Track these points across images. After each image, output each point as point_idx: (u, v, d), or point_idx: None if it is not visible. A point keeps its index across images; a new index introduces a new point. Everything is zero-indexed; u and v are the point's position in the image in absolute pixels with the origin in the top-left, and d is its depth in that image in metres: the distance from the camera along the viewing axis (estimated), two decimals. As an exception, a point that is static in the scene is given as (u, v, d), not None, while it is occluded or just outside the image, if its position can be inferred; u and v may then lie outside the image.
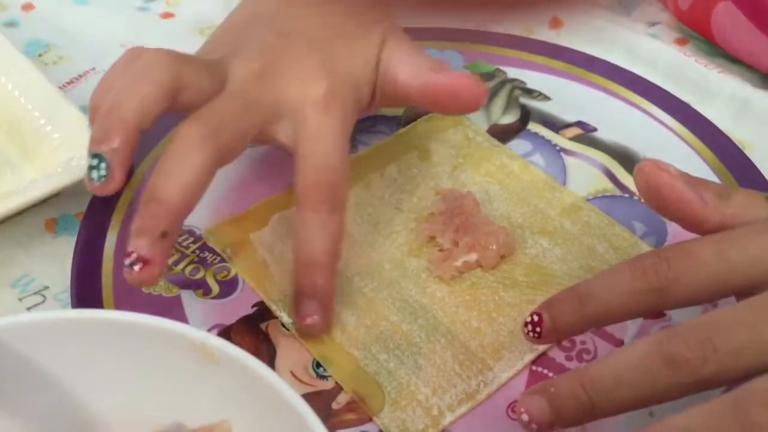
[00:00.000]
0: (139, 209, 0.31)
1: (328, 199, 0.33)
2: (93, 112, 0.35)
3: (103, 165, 0.32)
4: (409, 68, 0.37)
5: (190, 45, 0.49)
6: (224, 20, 0.40)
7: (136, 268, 0.30)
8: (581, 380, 0.27)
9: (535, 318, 0.30)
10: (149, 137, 0.42)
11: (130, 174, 0.40)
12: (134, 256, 0.30)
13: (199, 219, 0.38)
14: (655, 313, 0.34)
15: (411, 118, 0.44)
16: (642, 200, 0.31)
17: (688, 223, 0.30)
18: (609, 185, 0.40)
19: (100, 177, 0.32)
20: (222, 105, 0.34)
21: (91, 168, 0.32)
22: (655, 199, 0.31)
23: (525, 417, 0.28)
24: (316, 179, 0.33)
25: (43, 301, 0.36)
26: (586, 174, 0.41)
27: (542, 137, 0.43)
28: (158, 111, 0.33)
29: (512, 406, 0.32)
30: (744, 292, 0.28)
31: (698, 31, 0.49)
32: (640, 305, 0.29)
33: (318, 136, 0.34)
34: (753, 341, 0.26)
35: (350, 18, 0.39)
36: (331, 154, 0.34)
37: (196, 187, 0.32)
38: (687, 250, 0.29)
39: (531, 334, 0.30)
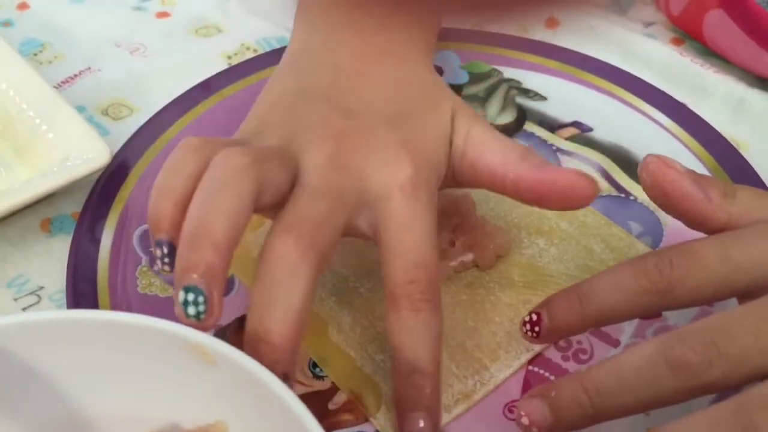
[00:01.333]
0: (246, 349, 0.27)
1: (428, 296, 0.30)
2: (155, 224, 0.29)
3: (201, 299, 0.26)
4: (495, 156, 0.33)
5: (186, 44, 0.49)
6: (263, 92, 0.35)
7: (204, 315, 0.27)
8: (583, 384, 0.27)
9: (534, 317, 0.30)
10: (145, 135, 0.42)
11: (125, 173, 0.40)
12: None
13: (194, 219, 0.38)
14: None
15: (407, 117, 0.44)
16: (647, 196, 0.31)
17: (693, 221, 0.30)
18: (605, 185, 0.40)
19: (198, 314, 0.27)
20: (310, 207, 0.29)
21: (186, 303, 0.26)
22: (659, 196, 0.30)
23: (525, 420, 0.27)
24: (414, 276, 0.30)
25: (38, 302, 0.36)
26: (582, 174, 0.41)
27: (538, 137, 0.43)
28: (246, 224, 0.28)
29: (509, 406, 0.32)
30: (747, 293, 0.28)
31: (691, 35, 0.49)
32: (642, 306, 0.28)
33: (409, 225, 0.30)
34: (757, 347, 0.26)
35: (414, 87, 0.35)
36: (425, 245, 0.30)
37: (305, 314, 0.28)
38: (691, 251, 0.28)
39: (529, 333, 0.30)
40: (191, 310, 0.27)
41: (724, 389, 0.26)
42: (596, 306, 0.29)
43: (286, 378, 0.27)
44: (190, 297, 0.26)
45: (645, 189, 0.30)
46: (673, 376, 0.26)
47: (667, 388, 0.26)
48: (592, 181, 0.32)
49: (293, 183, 0.30)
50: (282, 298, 0.27)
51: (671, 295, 0.28)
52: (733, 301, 0.29)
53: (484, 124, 0.35)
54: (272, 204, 0.29)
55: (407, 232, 0.30)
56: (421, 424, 0.29)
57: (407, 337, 0.30)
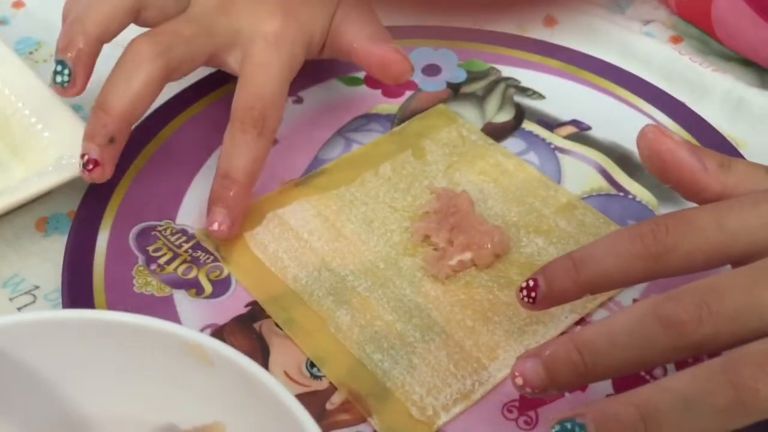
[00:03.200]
0: (90, 116, 0.36)
1: (258, 123, 0.36)
2: (63, 21, 0.38)
3: (66, 71, 0.35)
4: (354, 30, 0.40)
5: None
6: None
7: (88, 168, 0.35)
8: (576, 343, 0.27)
9: (530, 283, 0.30)
10: (140, 134, 0.42)
11: (122, 171, 0.40)
12: (86, 158, 0.35)
13: (192, 218, 0.38)
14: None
15: (405, 116, 0.44)
16: (644, 165, 0.31)
17: (689, 190, 0.30)
18: (604, 184, 0.40)
19: (63, 81, 0.35)
20: (177, 26, 0.37)
21: (55, 73, 0.35)
22: (656, 165, 0.31)
23: (519, 381, 0.28)
24: (251, 104, 0.36)
25: (34, 301, 0.36)
26: (580, 172, 0.41)
27: (537, 136, 0.43)
28: (118, 27, 0.36)
29: (507, 406, 0.32)
30: (741, 260, 0.28)
31: (698, 24, 0.49)
32: (637, 271, 0.28)
33: (261, 67, 0.37)
34: (748, 305, 0.26)
35: None
36: (270, 85, 0.37)
37: (141, 98, 0.35)
38: (686, 218, 0.29)
39: (526, 299, 0.30)
40: (58, 78, 0.35)
41: (715, 349, 0.26)
42: (591, 270, 0.29)
43: (111, 141, 0.35)
44: (58, 68, 0.35)
45: (642, 158, 0.31)
46: (663, 334, 0.26)
47: (658, 346, 0.26)
48: (405, 58, 0.40)
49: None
50: (123, 80, 0.35)
51: (665, 261, 0.28)
52: (727, 268, 0.29)
53: (365, 10, 0.42)
54: (156, 22, 0.37)
55: (258, 71, 0.37)
56: (220, 216, 0.36)
57: (230, 148, 0.36)
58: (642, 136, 0.31)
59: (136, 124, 0.42)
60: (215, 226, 0.36)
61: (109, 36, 0.36)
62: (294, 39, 0.38)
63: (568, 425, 0.26)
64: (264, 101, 0.36)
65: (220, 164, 0.36)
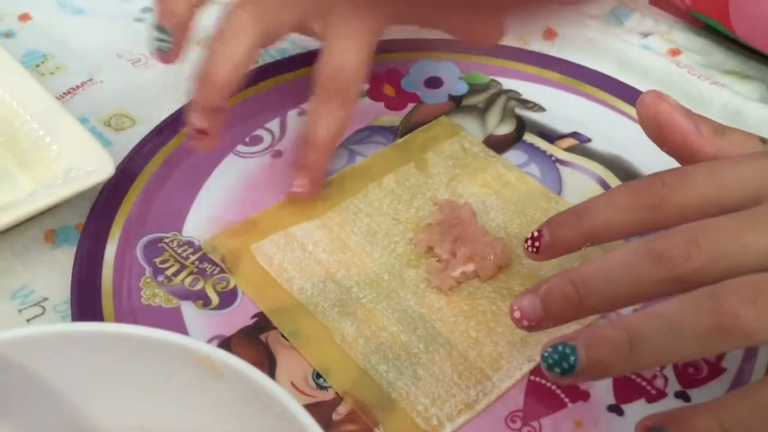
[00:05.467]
0: (194, 87, 0.37)
1: (340, 94, 0.38)
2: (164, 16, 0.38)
3: (165, 36, 0.37)
4: None
5: (189, 56, 0.49)
6: None
7: (196, 138, 0.37)
8: (571, 278, 0.29)
9: (536, 234, 0.32)
10: (147, 146, 0.42)
11: (129, 184, 0.40)
12: (193, 128, 0.37)
13: (198, 230, 0.39)
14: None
15: (408, 128, 0.44)
16: (642, 128, 0.33)
17: (683, 153, 0.32)
18: (604, 195, 0.41)
19: (166, 47, 0.37)
20: None
21: (157, 40, 0.37)
22: (653, 127, 0.32)
23: (517, 314, 0.29)
24: (332, 74, 0.38)
25: (43, 313, 0.36)
26: (581, 184, 0.41)
27: (537, 148, 0.43)
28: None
29: (511, 416, 0.32)
30: (734, 210, 0.29)
31: (713, 16, 0.48)
32: (634, 221, 0.30)
33: (343, 36, 0.38)
34: (735, 243, 0.27)
35: None
36: (351, 55, 0.38)
37: (244, 65, 0.37)
38: (681, 171, 0.30)
39: (530, 249, 0.32)
40: (162, 45, 0.37)
41: (702, 284, 0.27)
42: (592, 220, 0.31)
43: (215, 110, 0.37)
44: (161, 35, 0.37)
45: (640, 121, 0.32)
46: (653, 267, 0.27)
47: (648, 279, 0.27)
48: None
49: None
50: (227, 52, 0.37)
51: (660, 212, 0.29)
52: None
53: None
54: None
55: (340, 41, 0.38)
56: (303, 179, 0.39)
57: (314, 116, 0.38)
58: (641, 101, 0.32)
59: (141, 136, 0.43)
60: (299, 189, 0.38)
61: (202, 3, 0.38)
62: (374, 8, 0.39)
63: (560, 348, 0.27)
64: (346, 72, 0.38)
65: (306, 132, 0.38)
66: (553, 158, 0.43)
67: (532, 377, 0.33)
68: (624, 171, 0.42)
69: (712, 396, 0.32)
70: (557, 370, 0.27)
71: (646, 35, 0.51)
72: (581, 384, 0.33)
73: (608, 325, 0.27)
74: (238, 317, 0.35)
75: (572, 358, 0.27)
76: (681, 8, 0.51)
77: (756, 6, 0.46)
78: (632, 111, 0.45)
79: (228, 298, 0.36)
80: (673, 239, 0.27)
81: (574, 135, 0.44)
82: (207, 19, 0.52)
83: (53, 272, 0.37)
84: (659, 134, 0.32)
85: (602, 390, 0.33)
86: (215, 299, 0.36)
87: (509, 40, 0.50)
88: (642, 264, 0.27)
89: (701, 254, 0.27)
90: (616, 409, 0.32)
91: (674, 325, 0.26)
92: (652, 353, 0.27)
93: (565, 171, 0.42)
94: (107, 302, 0.35)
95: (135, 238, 0.38)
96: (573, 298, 0.28)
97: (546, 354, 0.28)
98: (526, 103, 0.46)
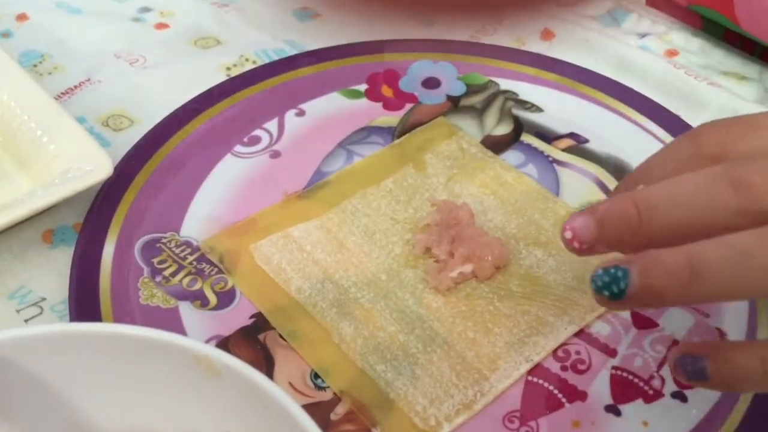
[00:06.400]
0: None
1: None
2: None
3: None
4: None
5: (185, 56, 0.50)
6: None
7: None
8: (634, 198, 0.26)
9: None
10: (145, 147, 0.42)
11: (127, 184, 0.40)
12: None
13: (196, 230, 0.39)
14: (648, 323, 0.35)
15: (405, 129, 0.44)
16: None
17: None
18: (601, 196, 0.41)
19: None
20: None
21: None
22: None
23: (569, 234, 0.26)
24: None
25: (41, 313, 0.36)
26: (578, 185, 0.41)
27: (535, 148, 0.43)
28: None
29: (509, 416, 0.32)
30: None
31: (716, 8, 0.48)
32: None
33: None
34: None
35: None
36: None
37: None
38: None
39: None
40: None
41: None
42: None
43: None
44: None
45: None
46: (733, 194, 0.24)
47: (724, 207, 0.24)
48: None
49: None
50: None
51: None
52: None
53: None
54: None
55: None
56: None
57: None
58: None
59: (139, 137, 0.43)
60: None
61: None
62: None
63: (612, 270, 0.25)
64: None
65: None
66: (551, 159, 0.43)
67: (529, 377, 0.33)
68: (621, 171, 0.42)
69: (708, 397, 0.33)
70: (606, 293, 0.25)
71: (643, 36, 0.51)
72: (579, 384, 0.33)
73: (671, 250, 0.24)
74: (236, 317, 0.35)
75: (623, 283, 0.25)
76: (680, 5, 0.51)
77: (763, 9, 0.46)
78: (630, 112, 0.45)
79: (226, 298, 0.36)
80: (753, 169, 0.24)
81: (572, 136, 0.44)
82: (207, 19, 0.52)
83: (51, 272, 0.37)
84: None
85: (600, 390, 0.33)
86: (213, 299, 0.36)
87: (507, 41, 0.51)
88: (720, 190, 0.24)
89: None
90: (613, 410, 0.33)
91: (744, 257, 0.24)
92: (714, 283, 0.24)
93: (562, 171, 0.42)
94: (105, 302, 0.35)
95: (133, 238, 0.38)
96: (633, 221, 0.25)
97: (596, 275, 0.25)
98: (523, 104, 0.46)
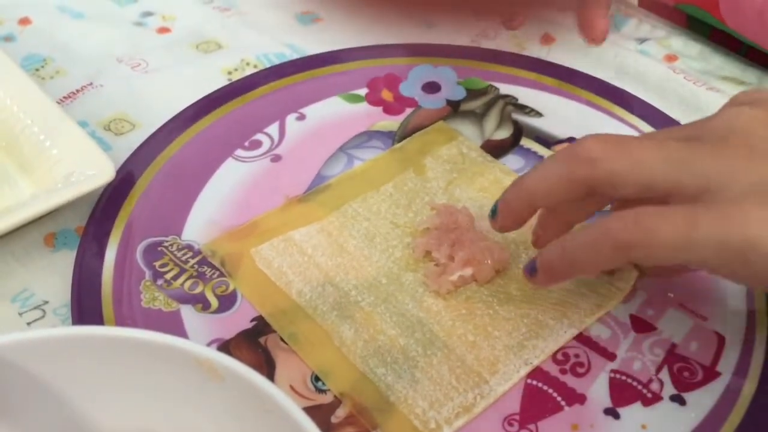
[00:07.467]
0: None
1: None
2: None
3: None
4: None
5: (187, 60, 0.50)
6: None
7: None
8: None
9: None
10: (147, 151, 0.42)
11: (129, 188, 0.40)
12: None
13: (198, 234, 0.39)
14: (646, 327, 0.35)
15: (405, 133, 0.44)
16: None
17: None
18: (601, 200, 0.41)
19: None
20: None
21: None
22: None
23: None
24: None
25: (43, 316, 0.36)
26: (578, 189, 0.41)
27: (535, 153, 0.43)
28: None
29: (508, 419, 0.32)
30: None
31: (703, 6, 0.48)
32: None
33: None
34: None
35: None
36: None
37: None
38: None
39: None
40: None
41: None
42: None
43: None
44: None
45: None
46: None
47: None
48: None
49: None
50: None
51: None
52: None
53: None
54: None
55: None
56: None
57: None
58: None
59: (140, 141, 0.43)
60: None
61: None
62: None
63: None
64: None
65: None
66: (550, 163, 0.43)
67: (529, 381, 0.34)
68: (620, 176, 0.42)
69: (707, 399, 0.33)
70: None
71: (642, 41, 0.52)
72: (578, 388, 0.33)
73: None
74: (238, 321, 0.36)
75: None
76: (668, 4, 0.51)
77: (747, 12, 0.46)
78: (629, 117, 0.45)
79: (227, 301, 0.36)
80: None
81: (571, 140, 0.44)
82: (208, 23, 0.53)
83: (53, 276, 0.38)
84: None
85: (598, 393, 0.33)
86: (215, 303, 0.36)
87: (507, 46, 0.51)
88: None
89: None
90: (612, 413, 0.33)
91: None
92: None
93: (562, 176, 0.42)
94: (107, 306, 0.35)
95: (135, 241, 0.38)
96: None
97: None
98: (523, 109, 0.46)
